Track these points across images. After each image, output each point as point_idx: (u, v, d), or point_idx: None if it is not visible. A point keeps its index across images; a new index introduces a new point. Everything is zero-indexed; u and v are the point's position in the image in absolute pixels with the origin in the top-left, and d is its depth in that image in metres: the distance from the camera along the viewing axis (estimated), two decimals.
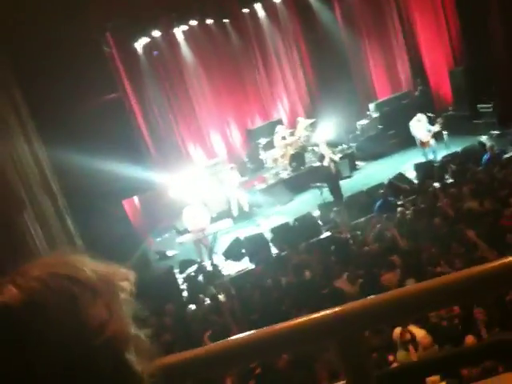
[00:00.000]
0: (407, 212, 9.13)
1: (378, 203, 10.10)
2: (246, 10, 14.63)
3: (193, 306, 8.41)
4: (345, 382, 1.15)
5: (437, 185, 10.40)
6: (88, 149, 9.15)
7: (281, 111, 15.36)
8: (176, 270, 10.40)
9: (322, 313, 1.11)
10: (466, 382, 3.50)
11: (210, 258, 10.56)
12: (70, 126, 9.65)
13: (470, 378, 3.51)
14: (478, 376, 3.46)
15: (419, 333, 4.68)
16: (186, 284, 9.75)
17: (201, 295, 8.79)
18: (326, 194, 11.56)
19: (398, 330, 4.85)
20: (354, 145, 14.09)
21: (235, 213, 12.42)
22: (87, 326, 0.69)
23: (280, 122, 14.72)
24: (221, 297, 8.24)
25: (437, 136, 12.08)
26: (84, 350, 0.68)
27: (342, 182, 12.05)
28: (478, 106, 12.72)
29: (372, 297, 1.15)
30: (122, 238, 9.55)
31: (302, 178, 13.09)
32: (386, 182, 10.97)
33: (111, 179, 9.85)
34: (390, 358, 4.79)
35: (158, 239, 12.68)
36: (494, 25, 12.49)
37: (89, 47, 10.52)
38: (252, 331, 1.13)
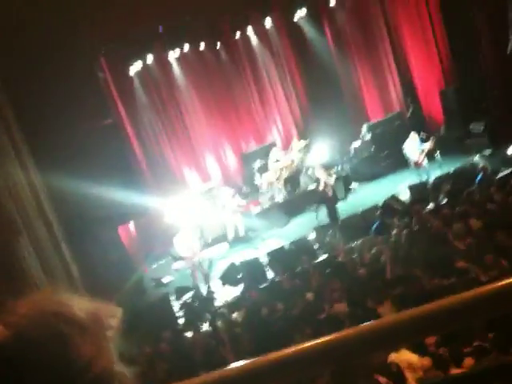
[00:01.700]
0: (402, 234, 9.14)
1: (375, 225, 10.12)
2: (237, 34, 14.81)
3: (189, 333, 8.35)
4: None
5: (431, 206, 10.47)
6: (83, 174, 9.15)
7: (275, 134, 15.45)
8: (172, 297, 10.31)
9: (317, 340, 1.10)
10: None
11: (207, 284, 10.50)
12: (65, 152, 9.67)
13: None
14: None
15: (413, 358, 4.65)
16: (182, 311, 9.68)
17: (198, 322, 8.73)
18: (322, 217, 11.57)
19: (392, 356, 4.79)
20: (348, 166, 14.16)
21: (231, 237, 12.40)
22: (75, 363, 0.69)
23: (274, 144, 14.79)
24: (218, 323, 8.18)
25: (430, 156, 12.16)
26: None
27: (337, 205, 12.06)
28: (470, 126, 12.86)
29: (367, 323, 1.15)
30: (117, 265, 9.51)
31: (297, 200, 13.11)
32: (380, 203, 11.00)
33: (106, 205, 9.84)
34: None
35: (154, 266, 12.60)
36: (483, 45, 12.69)
37: (83, 72, 10.60)
38: (249, 360, 1.12)
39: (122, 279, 9.14)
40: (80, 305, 0.74)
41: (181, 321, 9.40)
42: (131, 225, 12.57)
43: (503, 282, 1.11)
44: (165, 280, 11.63)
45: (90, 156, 10.12)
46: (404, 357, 4.76)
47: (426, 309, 1.16)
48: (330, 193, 11.88)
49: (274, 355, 1.10)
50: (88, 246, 9.36)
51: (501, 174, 10.55)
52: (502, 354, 4.48)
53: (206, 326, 8.50)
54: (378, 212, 10.39)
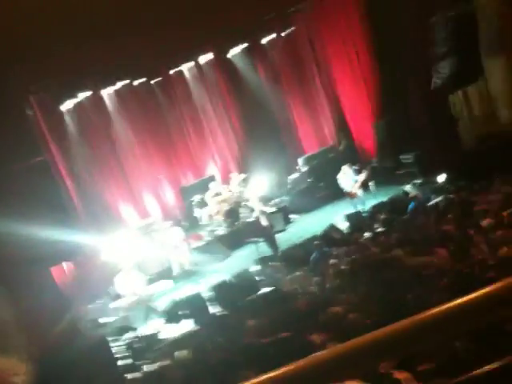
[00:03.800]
0: (341, 262, 9.28)
1: (313, 255, 10.22)
2: (172, 71, 14.87)
3: (130, 375, 8.01)
4: None
5: (367, 234, 10.72)
6: (13, 213, 8.74)
7: (213, 168, 15.47)
8: (111, 338, 9.89)
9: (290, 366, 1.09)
10: None
11: (148, 322, 10.18)
12: None
13: None
14: None
15: (402, 375, 4.61)
16: (123, 351, 9.29)
17: (139, 362, 8.41)
18: (262, 249, 11.58)
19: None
20: (286, 198, 14.34)
21: (175, 272, 12.17)
22: None
23: (213, 178, 14.80)
24: (160, 363, 7.90)
25: (364, 187, 12.53)
26: None
27: (276, 236, 12.13)
28: (401, 156, 13.39)
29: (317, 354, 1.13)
30: (51, 307, 9.04)
31: (237, 233, 13.10)
32: (319, 233, 11.16)
33: (38, 244, 9.39)
34: None
35: (91, 306, 12.09)
36: (410, 79, 13.36)
37: (11, 111, 10.25)
38: None
39: (56, 321, 8.70)
40: None
41: (121, 362, 9.01)
42: (66, 265, 12.07)
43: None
44: (103, 320, 11.18)
45: (20, 195, 9.69)
46: None
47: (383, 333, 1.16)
48: (267, 224, 11.92)
49: None
50: (19, 289, 8.88)
51: (431, 202, 11.00)
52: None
53: (149, 367, 8.19)
54: (316, 242, 10.53)
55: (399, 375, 4.49)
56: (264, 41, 15.13)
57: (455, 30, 11.32)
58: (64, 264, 11.96)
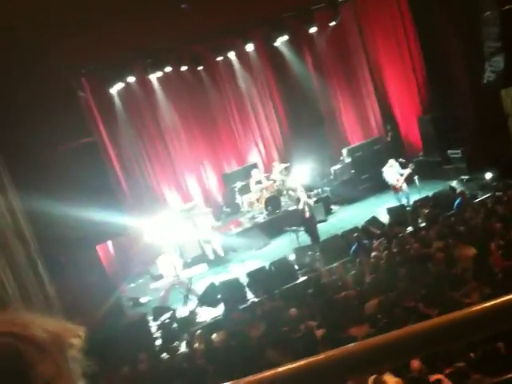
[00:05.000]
0: (382, 255, 9.21)
1: (353, 247, 10.18)
2: (219, 58, 14.94)
3: (167, 355, 8.22)
4: None
5: (410, 228, 10.60)
6: (61, 194, 9.02)
7: (256, 156, 15.53)
8: (150, 317, 10.17)
9: (298, 363, 1.10)
10: None
11: (185, 305, 10.39)
12: (44, 172, 9.53)
13: None
14: None
15: (392, 381, 4.64)
16: (160, 331, 9.53)
17: (175, 343, 8.60)
18: (302, 238, 11.60)
19: (371, 379, 4.78)
20: (328, 189, 14.28)
21: (211, 257, 12.34)
22: (33, 382, 0.69)
23: (255, 166, 14.86)
24: (196, 345, 8.07)
25: (409, 181, 12.34)
26: None
27: (317, 226, 12.11)
28: (448, 151, 13.11)
29: (348, 346, 1.15)
30: (95, 285, 9.36)
31: (277, 221, 13.13)
32: (360, 225, 11.09)
33: (85, 225, 9.68)
34: None
35: (132, 285, 12.44)
36: (458, 75, 13.05)
37: (63, 92, 10.52)
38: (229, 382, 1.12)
39: (100, 300, 8.99)
40: (42, 325, 0.74)
41: (158, 342, 9.25)
42: (110, 245, 12.42)
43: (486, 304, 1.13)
44: (143, 300, 11.48)
45: (69, 176, 9.98)
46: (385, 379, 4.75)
47: (410, 330, 1.17)
48: (310, 214, 11.91)
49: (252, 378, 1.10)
50: (66, 267, 9.19)
51: (478, 199, 10.76)
52: (483, 376, 4.51)
53: (183, 347, 8.39)
54: (357, 234, 10.47)
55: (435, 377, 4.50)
56: (312, 30, 15.00)
57: (509, 25, 10.99)
58: (109, 244, 12.32)
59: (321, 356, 1.13)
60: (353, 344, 1.16)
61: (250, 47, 14.82)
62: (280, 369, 1.10)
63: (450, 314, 1.16)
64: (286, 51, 15.46)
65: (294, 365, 1.11)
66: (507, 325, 1.22)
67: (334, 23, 14.83)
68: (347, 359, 1.14)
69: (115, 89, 13.61)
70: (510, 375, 4.04)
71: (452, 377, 4.66)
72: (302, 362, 1.11)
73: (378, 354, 1.17)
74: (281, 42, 15.13)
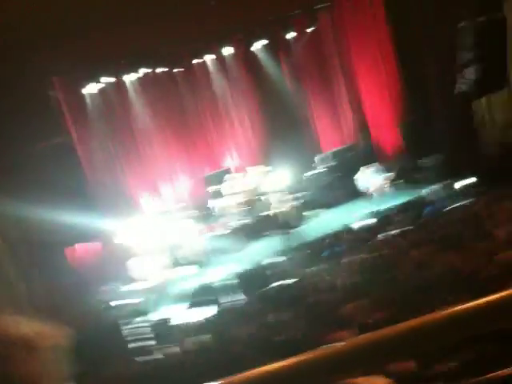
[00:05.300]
0: (356, 261, 9.29)
1: (326, 253, 10.24)
2: (196, 61, 14.91)
3: (142, 358, 8.10)
4: None
5: (382, 235, 10.70)
6: (33, 196, 8.88)
7: (230, 160, 15.51)
8: (124, 321, 10.03)
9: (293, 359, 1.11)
10: None
11: (159, 308, 10.30)
12: (15, 173, 9.38)
13: None
14: None
15: (380, 381, 4.66)
16: (133, 335, 9.40)
17: (151, 346, 8.49)
18: (277, 243, 11.63)
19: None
20: (302, 194, 14.34)
21: (189, 260, 12.29)
22: (19, 382, 0.68)
23: (230, 170, 14.84)
24: (175, 348, 7.98)
25: (381, 188, 12.49)
26: None
27: (290, 231, 12.16)
28: (421, 159, 13.33)
29: (332, 345, 1.15)
30: (69, 289, 9.21)
31: (252, 226, 13.12)
32: (333, 231, 11.17)
33: (55, 228, 9.56)
34: None
35: (106, 288, 12.24)
36: (432, 84, 13.29)
37: (34, 91, 10.38)
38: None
39: (73, 303, 8.86)
40: (27, 326, 0.73)
41: (132, 344, 9.12)
42: (83, 247, 12.24)
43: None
44: (117, 303, 11.31)
45: (40, 177, 9.85)
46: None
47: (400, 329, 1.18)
48: (284, 219, 11.98)
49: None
50: (37, 271, 9.03)
51: (449, 207, 10.94)
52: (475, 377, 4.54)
53: (157, 352, 8.28)
54: (330, 240, 10.55)
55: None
56: (289, 36, 15.10)
57: (483, 36, 11.23)
58: (84, 246, 12.15)
59: (310, 354, 1.13)
60: (341, 343, 1.16)
61: (227, 51, 14.82)
62: (268, 367, 1.10)
63: (436, 312, 1.16)
64: (262, 55, 15.52)
65: (283, 362, 1.11)
66: (495, 323, 1.24)
67: (311, 29, 15.00)
68: (335, 358, 1.14)
69: (88, 90, 13.45)
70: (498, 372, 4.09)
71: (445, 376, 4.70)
72: (291, 360, 1.11)
73: (366, 353, 1.17)
74: (258, 46, 15.19)
